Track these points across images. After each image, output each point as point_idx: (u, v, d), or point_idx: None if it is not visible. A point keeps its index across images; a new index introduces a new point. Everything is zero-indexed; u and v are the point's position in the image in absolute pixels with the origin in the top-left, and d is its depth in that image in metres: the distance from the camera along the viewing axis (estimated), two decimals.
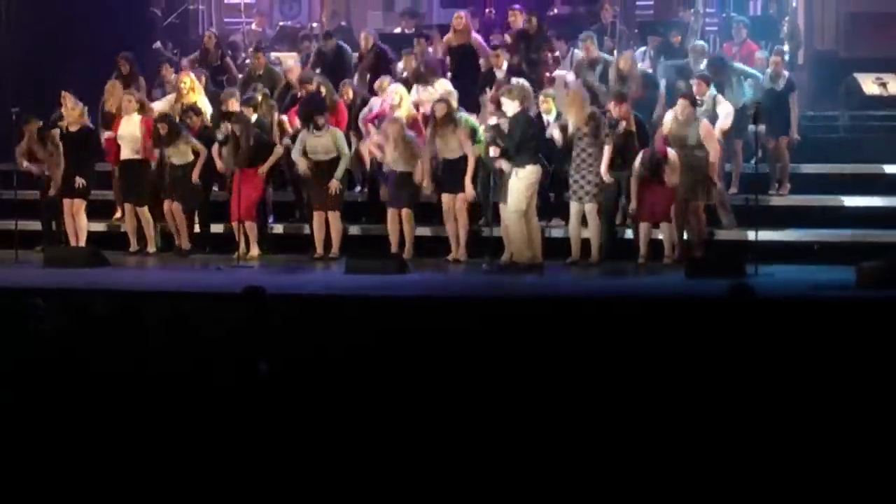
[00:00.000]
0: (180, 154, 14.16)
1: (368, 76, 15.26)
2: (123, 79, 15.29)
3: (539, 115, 13.49)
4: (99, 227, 14.86)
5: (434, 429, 6.18)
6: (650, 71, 14.68)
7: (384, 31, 17.11)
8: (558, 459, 5.93)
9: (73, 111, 14.39)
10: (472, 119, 13.66)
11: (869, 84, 15.65)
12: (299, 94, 14.54)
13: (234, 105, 14.55)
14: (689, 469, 5.86)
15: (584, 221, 13.10)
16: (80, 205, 14.38)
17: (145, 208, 14.35)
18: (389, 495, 5.84)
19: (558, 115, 13.21)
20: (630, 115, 13.20)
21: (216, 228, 14.57)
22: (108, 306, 9.30)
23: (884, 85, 15.58)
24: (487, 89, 14.06)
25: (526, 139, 12.63)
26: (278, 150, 14.10)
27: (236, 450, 6.02)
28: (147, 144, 14.26)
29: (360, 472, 5.91)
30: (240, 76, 15.89)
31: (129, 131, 14.39)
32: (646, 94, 14.13)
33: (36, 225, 14.75)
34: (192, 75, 15.02)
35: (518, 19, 15.48)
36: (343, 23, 18.09)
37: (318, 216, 13.87)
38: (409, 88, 14.40)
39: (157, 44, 17.61)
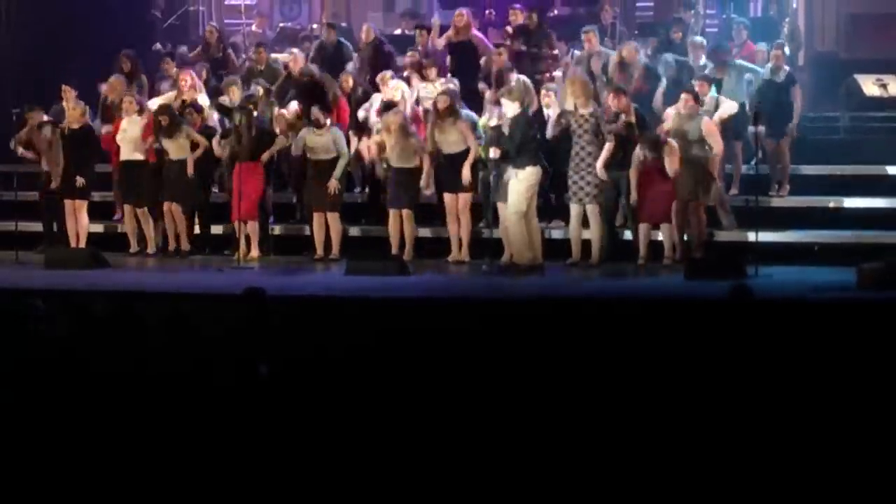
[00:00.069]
0: (179, 148, 14.13)
1: (368, 73, 15.25)
2: (126, 76, 15.31)
3: (540, 110, 13.50)
4: (99, 228, 14.87)
5: (435, 430, 6.18)
6: (651, 63, 14.66)
7: (385, 32, 17.11)
8: (559, 460, 5.93)
9: (74, 111, 14.40)
10: (473, 115, 13.68)
11: (869, 85, 15.65)
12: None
13: (234, 93, 14.59)
14: (689, 470, 5.86)
15: (584, 222, 13.10)
16: (81, 205, 14.39)
17: (145, 209, 14.36)
18: (390, 496, 5.84)
19: (563, 113, 13.18)
20: (630, 108, 13.20)
21: (216, 230, 14.58)
22: (108, 307, 9.30)
23: (884, 86, 15.58)
24: (487, 86, 14.14)
25: (526, 140, 12.63)
26: (280, 140, 14.10)
27: (236, 451, 6.02)
28: (147, 141, 14.24)
29: (360, 473, 5.91)
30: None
31: (130, 132, 14.39)
32: (647, 86, 14.15)
33: (36, 226, 14.76)
34: (193, 73, 15.02)
35: (519, 18, 15.51)
36: (343, 24, 18.10)
37: (317, 217, 13.87)
38: (410, 87, 14.45)
39: (157, 45, 17.62)
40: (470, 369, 7.17)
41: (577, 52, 15.05)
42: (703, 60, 14.50)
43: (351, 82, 14.82)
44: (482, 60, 15.00)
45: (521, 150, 12.63)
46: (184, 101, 14.56)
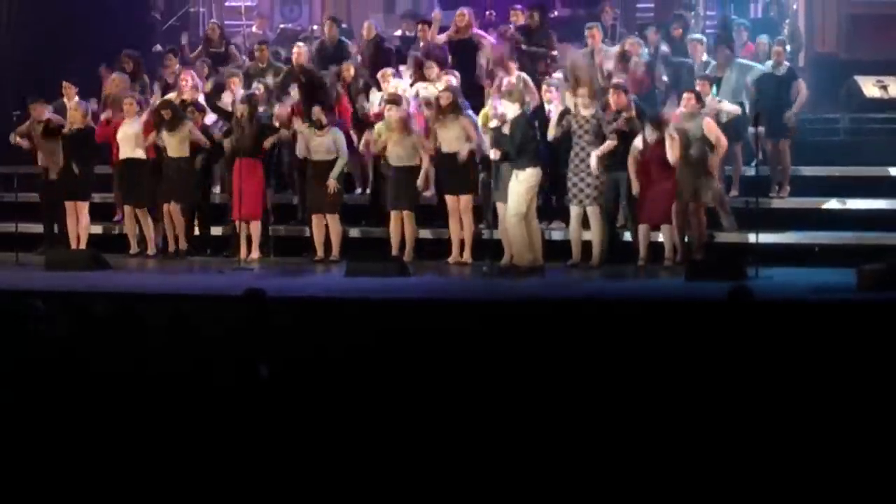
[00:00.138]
0: (179, 144, 14.11)
1: (369, 70, 15.26)
2: (128, 76, 15.33)
3: (541, 107, 13.50)
4: (99, 229, 14.88)
5: (435, 432, 6.18)
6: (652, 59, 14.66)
7: (385, 33, 17.11)
8: (559, 462, 5.93)
9: (75, 112, 14.41)
10: (474, 116, 13.69)
11: (869, 86, 15.66)
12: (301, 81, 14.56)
13: (235, 84, 14.60)
14: (689, 471, 5.86)
15: (584, 224, 13.10)
16: (82, 206, 14.40)
17: (146, 210, 14.35)
18: (391, 497, 5.84)
19: (564, 114, 13.17)
20: (631, 105, 13.20)
21: (216, 231, 14.59)
22: (108, 309, 9.29)
23: (884, 87, 15.59)
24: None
25: (526, 141, 12.63)
26: (283, 133, 14.09)
27: (237, 453, 6.02)
28: (149, 137, 14.23)
29: (360, 474, 5.91)
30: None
31: (130, 132, 14.39)
32: (647, 80, 14.16)
33: (36, 227, 14.76)
34: (194, 74, 15.01)
35: (519, 18, 15.50)
36: (344, 25, 18.11)
37: (316, 219, 13.87)
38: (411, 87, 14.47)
39: (157, 46, 17.63)
40: (470, 371, 7.17)
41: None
42: (704, 57, 14.48)
43: (353, 71, 14.85)
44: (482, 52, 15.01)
45: (521, 151, 12.63)
46: (183, 101, 14.55)
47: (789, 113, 14.09)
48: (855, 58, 16.73)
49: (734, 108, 13.53)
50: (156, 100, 14.80)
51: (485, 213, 13.47)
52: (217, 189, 14.82)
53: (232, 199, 14.02)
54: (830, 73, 16.38)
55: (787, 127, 14.15)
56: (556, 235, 13.67)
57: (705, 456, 5.95)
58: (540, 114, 13.43)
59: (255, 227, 13.99)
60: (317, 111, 13.80)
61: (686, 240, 13.02)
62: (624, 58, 14.20)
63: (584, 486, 5.84)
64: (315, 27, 18.28)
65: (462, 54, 15.05)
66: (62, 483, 5.93)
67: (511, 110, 12.70)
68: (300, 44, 15.87)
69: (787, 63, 14.41)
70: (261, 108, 14.23)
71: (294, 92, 14.54)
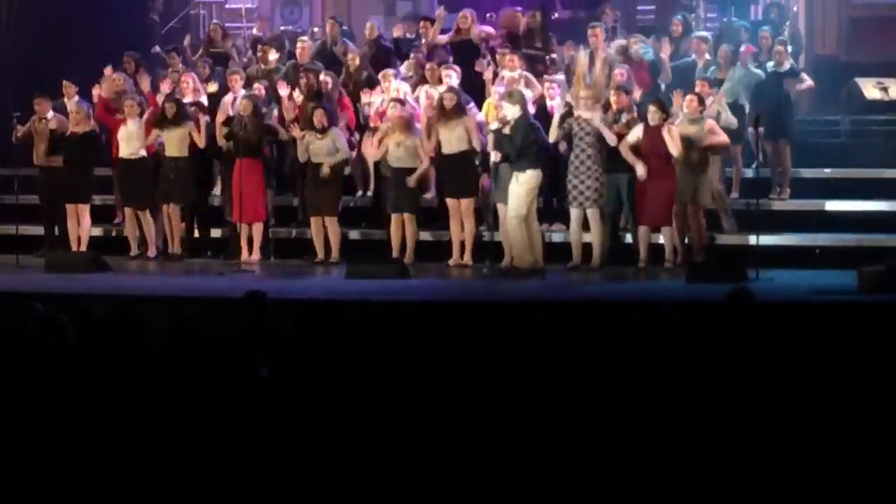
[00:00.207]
0: (177, 144, 14.11)
1: (369, 69, 15.27)
2: (128, 76, 15.33)
3: (543, 105, 13.51)
4: (99, 231, 14.88)
5: (436, 433, 6.17)
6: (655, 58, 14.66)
7: (386, 35, 17.11)
8: (560, 463, 5.93)
9: (77, 114, 14.42)
10: (479, 114, 13.73)
11: (870, 88, 15.66)
12: (302, 80, 14.54)
13: (236, 82, 14.62)
14: (690, 474, 5.86)
15: (585, 226, 13.10)
16: (83, 208, 14.40)
17: (147, 212, 14.35)
18: (391, 499, 5.84)
19: (566, 115, 13.17)
20: (633, 106, 13.21)
21: (215, 233, 14.59)
22: (108, 311, 9.29)
23: (885, 89, 15.59)
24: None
25: (527, 144, 12.63)
26: (283, 135, 14.08)
27: (237, 454, 6.02)
28: (150, 134, 14.23)
29: (360, 477, 5.91)
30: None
31: (130, 133, 14.39)
32: (649, 79, 14.15)
33: (37, 229, 14.76)
34: (195, 75, 15.01)
35: (520, 21, 15.50)
36: (345, 27, 18.11)
37: (315, 221, 13.87)
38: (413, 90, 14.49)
39: (156, 48, 17.63)
40: (471, 373, 7.17)
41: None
42: (707, 56, 14.47)
43: (358, 61, 14.88)
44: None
45: (521, 153, 12.63)
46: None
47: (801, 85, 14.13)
48: (855, 60, 16.73)
49: (732, 120, 13.49)
50: (158, 99, 14.77)
51: (485, 215, 13.47)
52: (217, 191, 14.80)
53: (231, 200, 14.02)
54: (831, 75, 16.37)
55: (787, 131, 14.16)
56: (557, 237, 13.67)
57: (706, 458, 5.94)
58: (541, 111, 13.42)
59: (257, 229, 13.99)
60: (318, 115, 13.78)
61: (686, 242, 13.02)
62: (626, 56, 14.22)
63: (585, 488, 5.84)
64: (316, 29, 18.27)
65: (463, 54, 15.05)
66: (62, 485, 5.92)
67: (511, 112, 12.70)
68: (304, 38, 15.90)
69: (788, 63, 14.39)
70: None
71: (296, 93, 14.53)
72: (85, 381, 6.63)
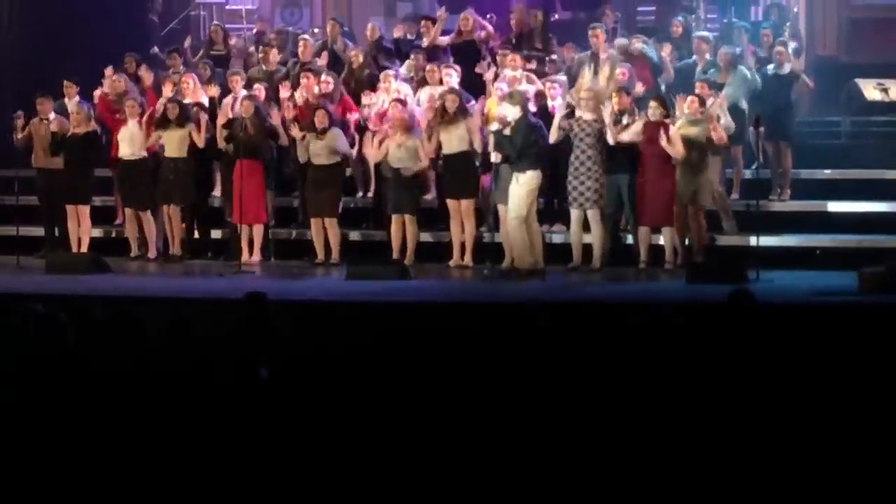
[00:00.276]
0: (177, 145, 14.10)
1: (372, 68, 15.28)
2: (129, 77, 15.34)
3: (544, 105, 13.51)
4: (99, 232, 14.88)
5: (436, 435, 6.17)
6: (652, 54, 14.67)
7: (386, 37, 17.12)
8: (560, 464, 5.93)
9: (78, 115, 14.42)
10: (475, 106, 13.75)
11: (870, 89, 15.66)
12: (303, 80, 14.56)
13: (237, 83, 14.62)
14: (691, 476, 5.86)
15: (585, 227, 13.10)
16: (84, 210, 14.40)
17: (148, 212, 14.35)
18: (392, 501, 5.84)
19: (567, 116, 13.18)
20: (635, 108, 13.21)
21: (216, 234, 14.59)
22: (108, 312, 9.29)
23: (885, 90, 15.59)
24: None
25: (527, 145, 12.63)
26: (284, 139, 14.07)
27: (237, 456, 6.02)
28: (151, 136, 14.23)
29: (361, 478, 5.91)
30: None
31: (130, 134, 14.39)
32: (650, 79, 14.15)
33: (37, 231, 14.76)
34: (195, 77, 15.00)
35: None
36: (345, 28, 18.12)
37: (316, 222, 13.87)
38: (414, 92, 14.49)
39: (155, 49, 17.62)
40: (471, 374, 7.17)
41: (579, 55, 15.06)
42: (708, 56, 14.46)
43: (361, 58, 14.90)
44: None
45: (522, 154, 12.63)
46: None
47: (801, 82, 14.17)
48: (855, 61, 16.73)
49: (731, 124, 13.48)
50: (160, 99, 14.77)
51: (486, 216, 13.47)
52: (217, 192, 14.80)
53: (231, 201, 14.03)
54: (831, 76, 16.37)
55: (788, 132, 14.16)
56: (557, 238, 13.67)
57: (707, 459, 5.94)
58: (542, 111, 13.43)
59: (257, 231, 13.99)
60: (320, 115, 13.78)
61: (686, 242, 13.02)
62: (629, 55, 14.24)
63: (585, 489, 5.83)
64: (316, 30, 18.27)
65: (464, 55, 15.06)
66: (62, 486, 5.92)
67: (512, 113, 12.70)
68: (305, 36, 15.91)
69: (789, 65, 14.38)
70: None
71: (297, 93, 14.54)
72: (85, 381, 6.63)
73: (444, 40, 15.47)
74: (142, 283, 13.10)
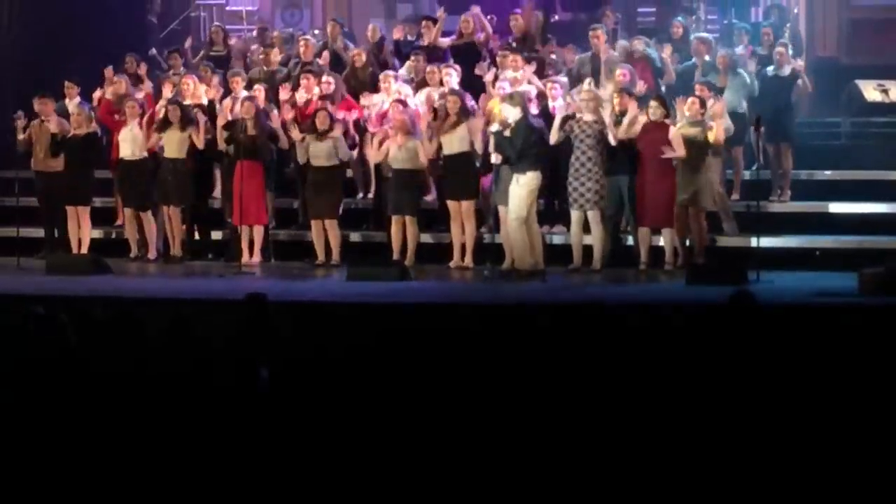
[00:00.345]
0: (177, 146, 14.10)
1: (374, 68, 15.29)
2: (130, 77, 15.34)
3: (545, 106, 13.51)
4: (99, 234, 14.88)
5: (436, 436, 6.17)
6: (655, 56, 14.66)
7: (387, 38, 17.13)
8: (560, 466, 5.93)
9: (78, 116, 14.43)
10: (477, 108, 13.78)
11: (870, 90, 15.66)
12: (303, 81, 14.57)
13: (237, 84, 14.62)
14: (691, 477, 5.86)
15: (585, 228, 13.10)
16: (84, 211, 14.40)
17: (149, 213, 14.34)
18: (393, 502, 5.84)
19: (566, 119, 13.17)
20: (635, 108, 13.21)
21: (216, 235, 14.59)
22: (108, 313, 9.29)
23: (885, 91, 15.59)
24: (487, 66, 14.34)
25: (528, 146, 12.63)
26: (285, 142, 14.07)
27: (237, 457, 6.02)
28: (152, 137, 14.24)
29: (361, 479, 5.91)
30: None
31: (131, 134, 14.39)
32: (651, 80, 14.17)
33: (38, 232, 14.76)
34: (195, 78, 15.00)
35: (519, 23, 15.52)
36: (346, 29, 18.12)
37: (316, 224, 13.87)
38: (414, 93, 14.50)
39: (153, 51, 17.62)
40: (472, 375, 7.17)
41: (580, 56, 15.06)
42: (707, 58, 14.46)
43: (364, 57, 14.90)
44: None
45: (522, 155, 12.63)
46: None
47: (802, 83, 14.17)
48: (856, 62, 16.73)
49: (730, 125, 13.48)
50: (161, 100, 14.76)
51: (486, 217, 13.47)
52: (218, 193, 14.80)
53: (231, 202, 14.03)
54: (831, 77, 16.37)
55: (788, 133, 14.16)
56: (557, 240, 13.67)
57: (708, 460, 5.94)
58: (543, 111, 13.44)
59: (258, 232, 13.98)
60: (321, 117, 13.78)
61: (687, 244, 13.02)
62: (630, 57, 14.26)
63: (585, 491, 5.84)
64: (317, 31, 18.28)
65: (464, 57, 15.07)
66: (61, 488, 5.92)
67: (512, 114, 12.70)
68: (307, 36, 15.92)
69: (789, 66, 14.38)
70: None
71: (298, 94, 14.55)
72: (85, 382, 6.63)
73: (445, 42, 15.48)
74: (142, 284, 13.09)
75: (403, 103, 13.70)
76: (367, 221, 14.65)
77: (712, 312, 8.80)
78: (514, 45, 15.13)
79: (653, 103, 12.99)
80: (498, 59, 14.53)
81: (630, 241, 13.39)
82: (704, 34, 15.25)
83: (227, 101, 14.56)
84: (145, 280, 13.46)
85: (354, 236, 14.33)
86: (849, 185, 14.18)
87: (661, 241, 13.09)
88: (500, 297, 11.77)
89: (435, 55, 15.16)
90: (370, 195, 14.73)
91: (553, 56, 15.16)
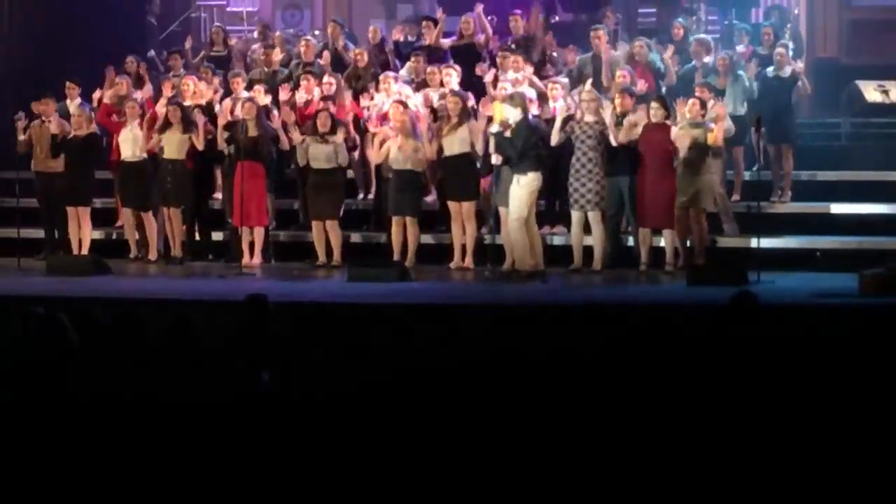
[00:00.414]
0: (177, 147, 14.10)
1: (376, 68, 15.30)
2: (131, 77, 15.34)
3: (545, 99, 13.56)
4: (100, 234, 14.89)
5: (436, 437, 6.17)
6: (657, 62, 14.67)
7: (387, 39, 17.14)
8: (561, 467, 5.93)
9: (79, 117, 14.43)
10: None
11: (871, 91, 15.66)
12: (303, 82, 14.57)
13: (238, 85, 14.62)
14: (692, 478, 5.86)
15: (586, 229, 13.10)
16: (84, 212, 14.40)
17: (149, 213, 14.34)
18: None
19: (567, 120, 13.18)
20: (636, 109, 13.22)
21: (217, 236, 14.59)
22: (108, 314, 9.29)
23: (885, 92, 15.59)
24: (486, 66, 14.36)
25: (528, 147, 12.64)
26: (285, 143, 14.06)
27: (237, 459, 6.02)
28: (150, 136, 14.24)
29: (361, 480, 5.91)
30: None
31: (131, 135, 14.39)
32: (652, 82, 14.20)
33: (38, 233, 14.77)
34: (195, 79, 15.00)
35: (519, 24, 15.53)
36: (346, 30, 18.12)
37: (317, 225, 13.87)
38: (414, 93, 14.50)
39: (151, 52, 17.62)
40: (472, 376, 7.17)
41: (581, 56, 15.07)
42: (705, 59, 14.46)
43: (366, 57, 14.90)
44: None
45: (522, 156, 12.63)
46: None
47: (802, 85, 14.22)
48: (856, 62, 16.73)
49: (731, 126, 13.48)
50: (160, 100, 14.76)
51: (487, 218, 13.48)
52: (219, 195, 14.80)
53: (231, 203, 14.03)
54: (831, 78, 16.38)
55: (789, 134, 14.16)
56: (558, 240, 13.67)
57: (709, 461, 5.94)
58: (544, 111, 13.48)
59: (258, 233, 13.98)
60: (322, 118, 13.77)
61: (688, 244, 13.02)
62: (632, 60, 14.28)
63: (586, 492, 5.83)
64: (317, 32, 18.29)
65: (465, 58, 15.08)
66: (61, 488, 5.92)
67: (513, 115, 12.71)
68: (308, 37, 15.92)
69: (789, 66, 14.37)
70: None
71: (298, 95, 14.55)
72: (86, 382, 6.64)
73: (446, 43, 15.49)
74: (143, 284, 13.10)
75: (404, 104, 13.70)
76: (367, 222, 14.65)
77: (713, 313, 8.80)
78: (513, 46, 15.13)
79: (654, 104, 13.00)
80: (498, 60, 14.52)
81: (630, 241, 13.40)
82: (703, 36, 15.24)
83: (228, 102, 14.57)
84: (146, 281, 13.46)
85: (355, 237, 14.33)
86: (849, 186, 14.18)
87: (662, 242, 13.09)
88: (501, 297, 11.77)
89: (435, 56, 15.17)
90: (371, 196, 14.73)
91: (554, 54, 15.17)
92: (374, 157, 13.98)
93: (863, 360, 7.73)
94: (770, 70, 14.38)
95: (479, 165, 13.40)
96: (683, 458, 5.97)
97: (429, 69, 14.64)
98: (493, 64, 14.62)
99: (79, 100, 14.96)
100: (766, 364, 7.10)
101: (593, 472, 5.92)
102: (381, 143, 13.68)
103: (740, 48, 15.16)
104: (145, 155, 14.36)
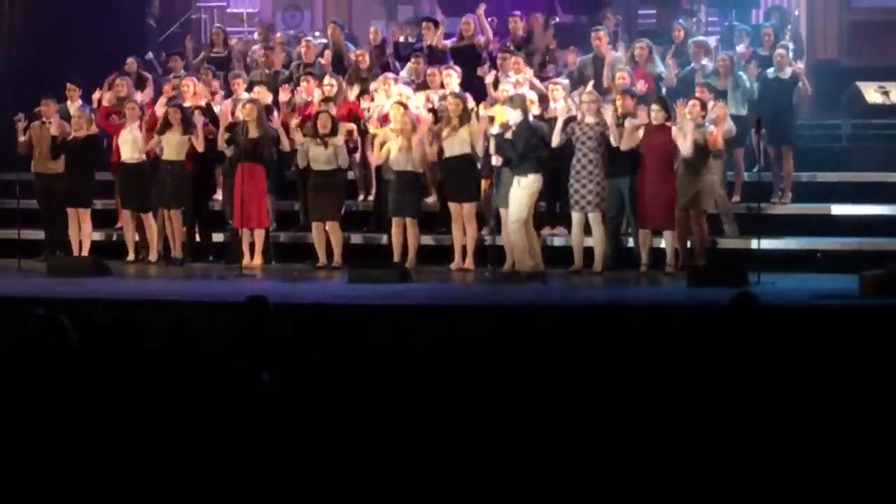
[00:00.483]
0: (176, 148, 14.09)
1: (377, 69, 15.30)
2: (131, 78, 15.35)
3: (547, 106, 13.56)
4: (100, 236, 14.89)
5: (436, 438, 6.17)
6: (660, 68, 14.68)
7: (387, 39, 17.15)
8: (561, 468, 5.93)
9: (79, 118, 14.43)
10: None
11: (871, 92, 15.66)
12: (303, 84, 14.58)
13: (238, 86, 14.62)
14: (693, 478, 5.86)
15: (586, 230, 13.10)
16: (84, 213, 14.40)
17: (150, 214, 14.34)
18: None
19: (568, 121, 13.18)
20: (637, 112, 13.21)
21: (217, 237, 14.59)
22: (109, 316, 9.29)
23: (886, 93, 15.59)
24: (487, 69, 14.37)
25: (529, 148, 12.64)
26: (286, 144, 14.06)
27: (238, 462, 6.02)
28: (150, 137, 14.24)
29: (361, 481, 5.90)
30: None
31: (131, 136, 14.39)
32: (652, 84, 14.20)
33: (39, 234, 14.77)
34: (195, 80, 14.99)
35: (518, 26, 15.54)
36: (346, 31, 18.13)
37: (317, 226, 13.87)
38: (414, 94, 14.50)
39: (150, 54, 17.62)
40: (472, 377, 7.17)
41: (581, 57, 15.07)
42: (705, 61, 14.46)
43: (368, 58, 14.91)
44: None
45: (523, 157, 12.63)
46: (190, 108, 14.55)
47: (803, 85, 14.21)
48: (856, 64, 16.74)
49: (731, 127, 13.49)
50: (161, 103, 14.75)
51: (487, 219, 13.47)
52: (219, 196, 14.80)
53: (232, 205, 14.02)
54: (832, 80, 16.38)
55: (789, 135, 14.16)
56: (558, 242, 13.67)
57: (709, 462, 5.94)
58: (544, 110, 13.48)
59: (259, 234, 13.99)
60: (323, 120, 13.77)
61: (688, 245, 13.02)
62: (633, 62, 14.30)
63: (586, 493, 5.83)
64: (317, 33, 18.29)
65: (465, 59, 15.08)
66: (61, 488, 5.92)
67: (513, 116, 12.71)
68: (309, 38, 15.92)
69: (790, 68, 14.37)
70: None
71: (298, 96, 14.55)
72: (86, 383, 6.64)
73: (447, 44, 15.49)
74: (143, 286, 13.10)
75: (404, 105, 13.70)
76: (368, 223, 14.65)
77: (713, 314, 8.80)
78: (512, 47, 15.14)
79: (654, 106, 13.00)
80: (498, 61, 14.52)
81: (631, 243, 13.40)
82: (702, 38, 15.24)
83: (228, 103, 14.57)
84: (146, 282, 13.46)
85: (355, 238, 14.33)
86: (849, 187, 14.19)
87: (662, 244, 13.10)
88: (501, 299, 11.77)
89: (435, 57, 15.18)
90: (371, 197, 14.73)
91: (555, 54, 15.18)
92: (374, 158, 13.98)
93: (863, 361, 7.73)
94: (770, 71, 14.38)
95: (479, 167, 13.40)
96: (684, 459, 5.96)
97: (429, 70, 14.64)
98: (494, 65, 14.62)
99: (79, 101, 14.97)
100: (767, 365, 7.10)
101: (594, 473, 5.91)
102: (382, 145, 13.68)
103: (740, 49, 15.17)
104: (144, 157, 14.36)
